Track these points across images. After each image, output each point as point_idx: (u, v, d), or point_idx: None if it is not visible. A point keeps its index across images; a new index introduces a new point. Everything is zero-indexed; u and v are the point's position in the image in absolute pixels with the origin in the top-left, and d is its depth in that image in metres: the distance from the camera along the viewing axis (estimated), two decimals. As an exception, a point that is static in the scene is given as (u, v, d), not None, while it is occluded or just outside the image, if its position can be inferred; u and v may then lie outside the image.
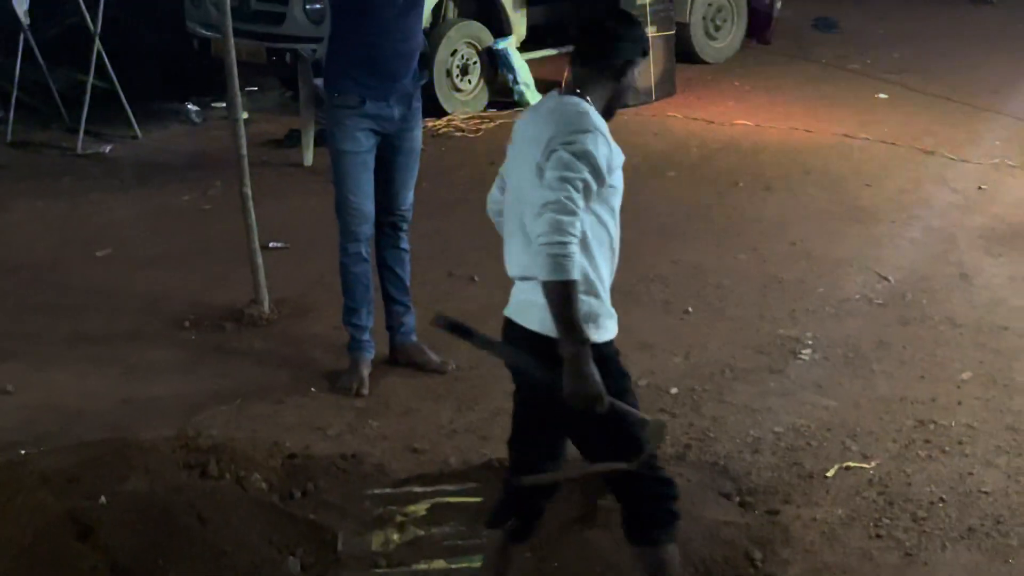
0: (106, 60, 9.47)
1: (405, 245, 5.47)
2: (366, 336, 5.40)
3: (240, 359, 5.66)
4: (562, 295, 3.02)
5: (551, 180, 3.09)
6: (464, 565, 3.85)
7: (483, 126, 9.85)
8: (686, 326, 5.95)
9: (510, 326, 3.31)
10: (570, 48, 11.33)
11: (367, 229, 5.28)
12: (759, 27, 12.44)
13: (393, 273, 5.47)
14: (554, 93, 3.37)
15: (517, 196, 3.30)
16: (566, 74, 3.29)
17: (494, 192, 3.55)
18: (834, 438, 4.74)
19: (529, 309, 3.22)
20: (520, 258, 3.28)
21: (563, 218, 3.03)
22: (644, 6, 10.43)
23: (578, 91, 3.30)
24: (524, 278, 3.26)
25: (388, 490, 4.34)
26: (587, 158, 3.13)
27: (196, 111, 10.36)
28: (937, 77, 11.30)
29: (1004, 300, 6.19)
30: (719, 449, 4.75)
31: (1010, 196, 7.90)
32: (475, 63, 10.25)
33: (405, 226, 5.45)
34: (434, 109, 9.59)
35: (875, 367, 5.45)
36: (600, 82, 3.31)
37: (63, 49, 10.13)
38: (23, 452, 4.54)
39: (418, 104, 5.38)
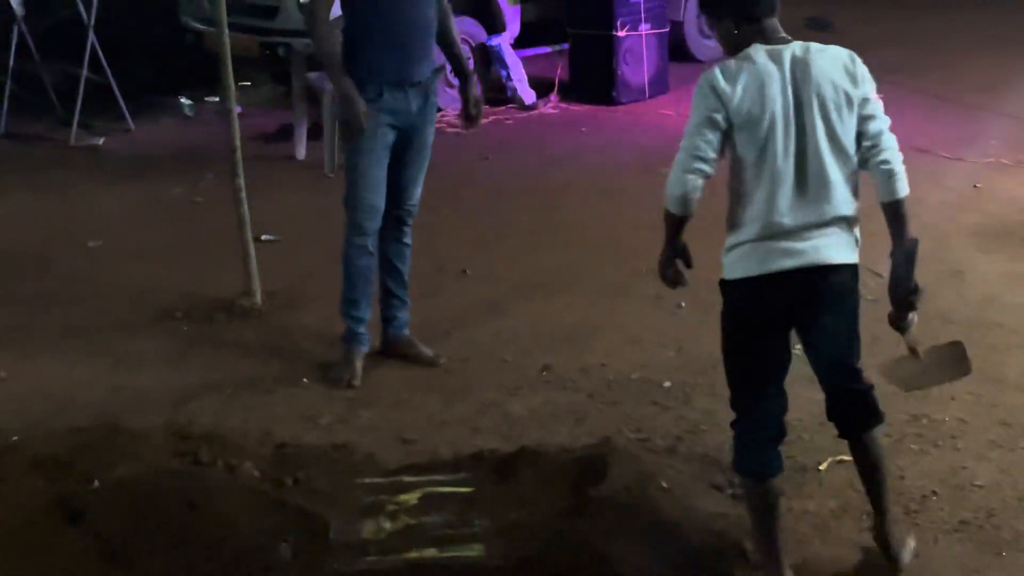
0: (100, 53, 9.49)
1: (408, 240, 5.45)
2: (363, 328, 5.38)
3: (231, 350, 5.65)
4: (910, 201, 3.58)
5: (882, 108, 3.60)
6: (455, 554, 3.84)
7: (476, 122, 9.82)
8: (678, 320, 5.93)
9: (818, 271, 3.58)
10: (563, 46, 11.20)
11: (376, 224, 5.24)
12: (753, 26, 12.43)
13: (393, 267, 5.44)
14: (760, 47, 3.73)
15: (812, 144, 3.52)
16: (766, 27, 3.81)
17: (698, 182, 3.75)
18: (826, 431, 4.68)
19: (843, 248, 3.60)
20: (827, 204, 3.55)
21: None
22: (638, 4, 10.45)
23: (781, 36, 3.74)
24: (824, 223, 3.55)
25: (379, 479, 4.33)
26: None
27: (189, 104, 10.37)
28: (929, 76, 11.32)
29: (997, 296, 6.18)
30: (711, 441, 4.72)
31: (1004, 194, 7.91)
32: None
33: (410, 220, 5.42)
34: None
35: (868, 362, 5.42)
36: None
37: (57, 42, 10.13)
38: (14, 439, 4.52)
39: (435, 98, 5.35)
